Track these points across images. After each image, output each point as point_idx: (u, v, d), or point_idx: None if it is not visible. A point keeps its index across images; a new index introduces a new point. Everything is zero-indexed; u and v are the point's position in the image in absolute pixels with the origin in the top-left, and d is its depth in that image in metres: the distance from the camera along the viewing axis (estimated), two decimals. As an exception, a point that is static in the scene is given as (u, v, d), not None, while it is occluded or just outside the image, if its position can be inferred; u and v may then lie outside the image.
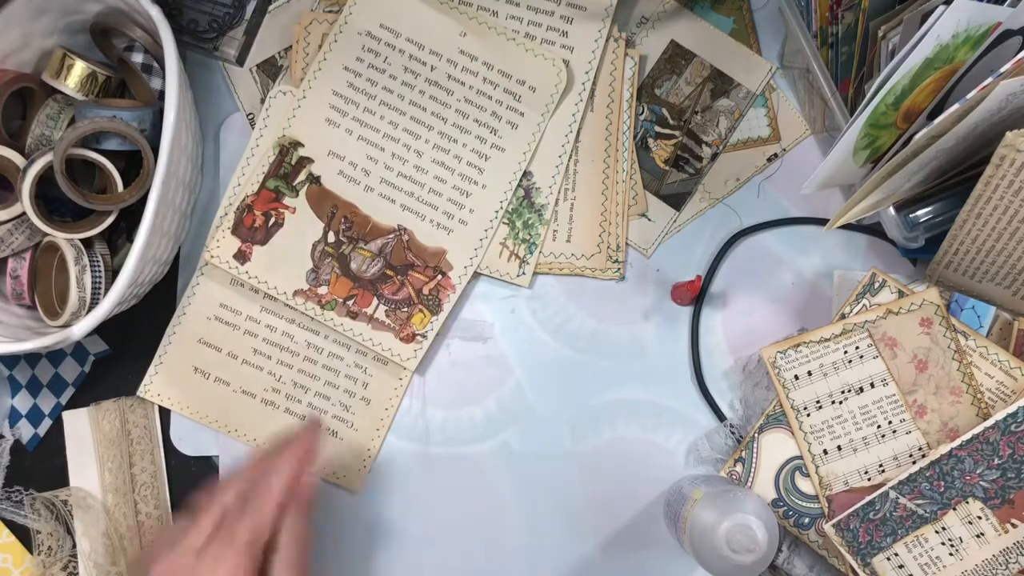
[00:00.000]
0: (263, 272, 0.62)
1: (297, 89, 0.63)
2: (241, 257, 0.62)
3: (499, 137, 0.62)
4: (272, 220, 0.62)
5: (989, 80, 0.48)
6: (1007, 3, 0.50)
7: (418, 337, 0.62)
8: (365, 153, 0.62)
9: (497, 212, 0.62)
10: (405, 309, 0.61)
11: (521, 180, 0.63)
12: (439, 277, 0.62)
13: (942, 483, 0.54)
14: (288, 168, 0.62)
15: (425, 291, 0.61)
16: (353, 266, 0.62)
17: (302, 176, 0.62)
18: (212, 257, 0.62)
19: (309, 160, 0.62)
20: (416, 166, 0.62)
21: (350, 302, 0.62)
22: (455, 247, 0.62)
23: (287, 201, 0.62)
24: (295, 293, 0.62)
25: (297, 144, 0.62)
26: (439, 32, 0.62)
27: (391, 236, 0.62)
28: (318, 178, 0.62)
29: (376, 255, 0.61)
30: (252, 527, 0.46)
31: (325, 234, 0.62)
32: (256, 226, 0.62)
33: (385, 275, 0.62)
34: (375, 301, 0.62)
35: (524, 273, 0.63)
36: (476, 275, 0.63)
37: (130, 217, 0.61)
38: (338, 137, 0.62)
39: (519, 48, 0.62)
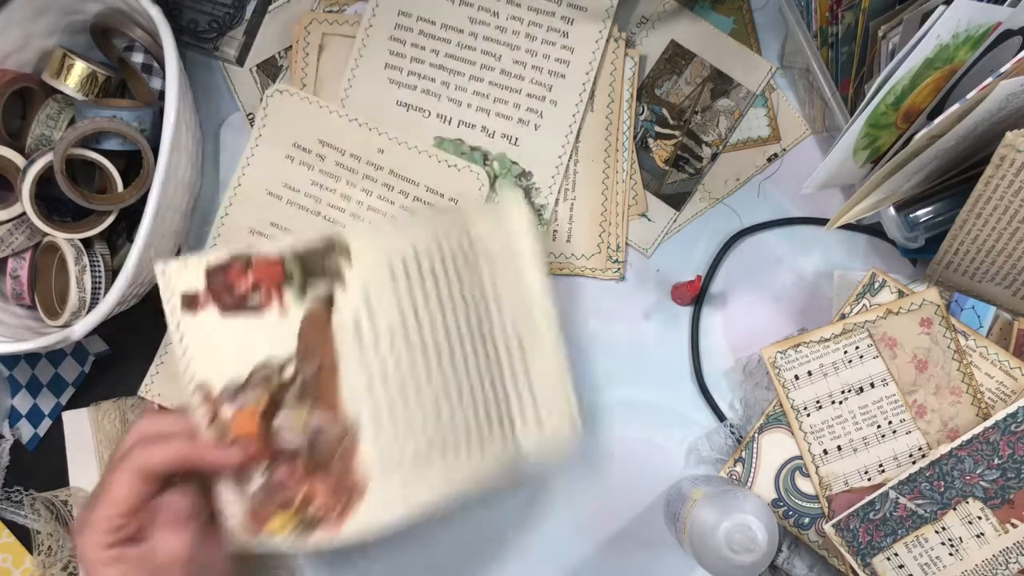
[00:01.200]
0: (194, 344, 0.48)
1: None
2: (192, 304, 0.47)
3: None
4: (255, 301, 0.48)
5: (989, 80, 0.48)
6: (1007, 3, 0.50)
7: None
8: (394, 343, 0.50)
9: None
10: (281, 495, 0.48)
11: (520, 179, 0.63)
12: (343, 502, 0.48)
13: (942, 483, 0.54)
14: (318, 264, 0.49)
15: (315, 505, 0.48)
16: (276, 421, 0.48)
17: (321, 287, 0.49)
18: (163, 274, 0.47)
19: (342, 280, 0.49)
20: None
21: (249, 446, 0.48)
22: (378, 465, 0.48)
23: (287, 298, 0.48)
24: (197, 387, 0.47)
25: (347, 251, 0.49)
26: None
27: (340, 428, 0.48)
28: (333, 305, 0.49)
29: (306, 427, 0.48)
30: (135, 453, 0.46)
31: (281, 370, 0.48)
32: (238, 292, 0.48)
33: (294, 457, 0.48)
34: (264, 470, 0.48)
35: (524, 273, 0.62)
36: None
37: (130, 217, 0.61)
38: (389, 306, 0.50)
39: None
